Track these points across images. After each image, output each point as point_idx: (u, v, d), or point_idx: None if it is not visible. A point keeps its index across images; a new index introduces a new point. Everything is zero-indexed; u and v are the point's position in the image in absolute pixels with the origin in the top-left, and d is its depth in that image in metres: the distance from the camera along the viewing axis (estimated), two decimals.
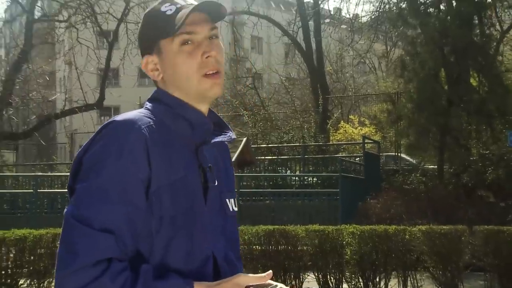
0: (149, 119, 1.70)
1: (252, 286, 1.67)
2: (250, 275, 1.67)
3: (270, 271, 1.68)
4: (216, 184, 1.77)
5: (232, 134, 1.88)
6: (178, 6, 1.76)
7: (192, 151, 1.74)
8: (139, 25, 1.85)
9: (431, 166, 18.39)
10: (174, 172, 1.68)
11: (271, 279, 1.69)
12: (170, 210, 1.66)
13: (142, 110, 1.77)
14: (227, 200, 1.84)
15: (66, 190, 1.73)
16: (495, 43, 18.48)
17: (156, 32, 1.76)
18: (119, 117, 1.70)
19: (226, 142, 1.88)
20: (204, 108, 1.80)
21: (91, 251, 1.57)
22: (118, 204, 1.61)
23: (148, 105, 1.79)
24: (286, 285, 1.74)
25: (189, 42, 1.74)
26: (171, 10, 1.75)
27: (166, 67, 1.77)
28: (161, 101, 1.78)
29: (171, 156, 1.68)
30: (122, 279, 1.57)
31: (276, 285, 1.67)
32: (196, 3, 1.76)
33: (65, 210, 1.64)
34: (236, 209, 1.88)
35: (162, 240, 1.66)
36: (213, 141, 1.80)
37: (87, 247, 1.57)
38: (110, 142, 1.64)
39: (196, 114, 1.76)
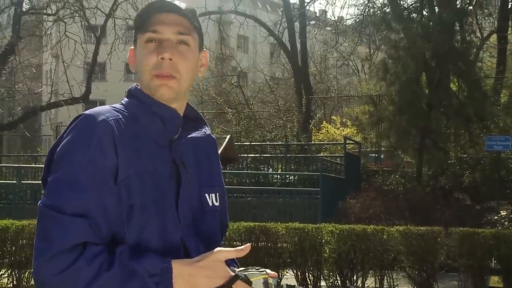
0: (118, 113, 1.74)
1: (239, 270, 1.70)
2: (229, 249, 1.69)
3: (248, 244, 1.71)
4: (191, 180, 1.79)
5: (207, 130, 1.91)
6: (158, 4, 1.80)
7: (166, 146, 1.76)
8: None
9: (410, 168, 18.64)
10: (143, 164, 1.70)
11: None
12: (139, 198, 1.68)
13: (116, 104, 1.81)
14: (206, 195, 1.85)
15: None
16: (475, 50, 18.79)
17: (135, 25, 1.84)
18: (88, 111, 1.74)
19: (214, 137, 1.93)
20: (174, 105, 1.82)
21: (66, 237, 1.59)
22: (88, 190, 1.64)
23: (124, 100, 1.83)
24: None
25: (154, 40, 1.79)
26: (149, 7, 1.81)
27: (137, 60, 1.84)
28: (136, 96, 1.81)
29: (140, 149, 1.71)
30: (98, 262, 1.59)
31: (264, 270, 1.71)
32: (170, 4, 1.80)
33: (39, 202, 1.67)
34: (217, 203, 1.88)
35: (134, 229, 1.68)
36: (189, 136, 1.84)
37: (61, 233, 1.59)
38: (78, 134, 1.68)
39: (166, 110, 1.78)
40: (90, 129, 1.68)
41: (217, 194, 1.89)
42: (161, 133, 1.77)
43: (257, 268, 1.70)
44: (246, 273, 1.67)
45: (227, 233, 9.88)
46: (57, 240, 1.59)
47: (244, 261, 1.84)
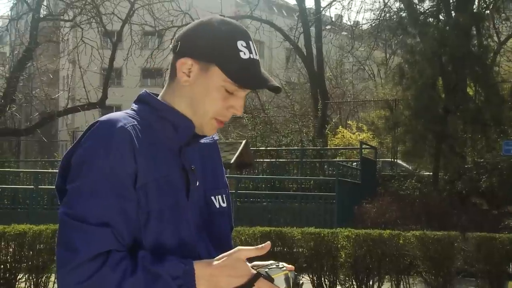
0: (133, 119, 1.73)
1: (257, 266, 1.71)
2: (250, 247, 1.69)
3: (268, 242, 1.70)
4: (198, 184, 1.80)
5: (215, 136, 1.93)
6: (251, 57, 1.76)
7: (176, 152, 1.77)
8: (199, 25, 1.80)
9: (427, 173, 18.53)
10: (158, 170, 1.71)
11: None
12: (156, 204, 1.69)
13: (128, 110, 1.79)
14: (212, 197, 1.86)
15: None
16: (492, 54, 18.67)
17: (219, 58, 1.74)
18: (104, 118, 1.73)
19: (216, 141, 1.95)
20: None
21: (90, 246, 1.60)
22: (110, 198, 1.64)
23: (134, 106, 1.80)
24: None
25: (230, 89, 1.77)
26: (245, 54, 1.75)
27: (198, 84, 1.77)
28: (148, 103, 1.80)
29: (155, 155, 1.72)
30: (122, 267, 1.60)
31: (283, 265, 1.71)
32: (257, 57, 1.79)
33: (59, 211, 1.67)
34: (224, 204, 1.89)
35: (151, 235, 1.69)
36: (198, 142, 1.84)
37: (85, 242, 1.60)
38: (97, 141, 1.67)
39: (181, 118, 1.77)
40: (108, 136, 1.68)
41: (223, 195, 1.91)
42: (173, 139, 1.77)
43: (277, 264, 1.71)
44: (267, 270, 1.68)
45: (242, 238, 9.96)
46: (82, 250, 1.60)
47: None
